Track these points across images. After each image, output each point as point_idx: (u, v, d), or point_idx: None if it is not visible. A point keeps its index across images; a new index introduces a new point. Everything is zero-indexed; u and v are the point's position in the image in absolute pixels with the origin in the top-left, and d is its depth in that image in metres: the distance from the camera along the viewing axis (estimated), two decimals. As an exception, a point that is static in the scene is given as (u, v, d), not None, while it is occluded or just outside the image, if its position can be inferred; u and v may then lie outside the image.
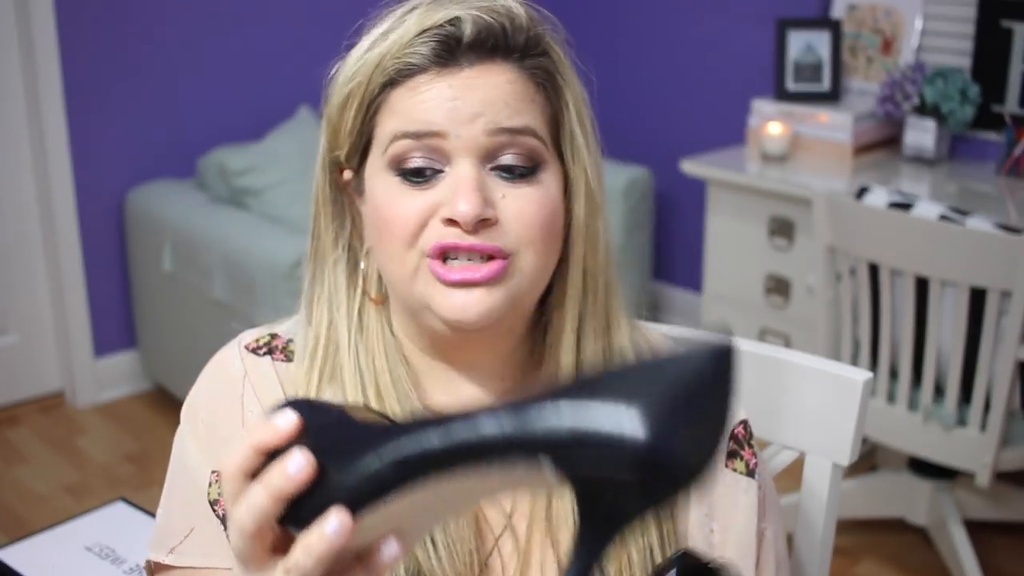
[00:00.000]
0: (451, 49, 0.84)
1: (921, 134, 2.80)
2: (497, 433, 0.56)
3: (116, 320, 3.27)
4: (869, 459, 2.69)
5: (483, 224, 0.83)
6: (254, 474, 0.64)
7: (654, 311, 3.61)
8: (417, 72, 0.84)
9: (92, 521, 1.44)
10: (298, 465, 0.62)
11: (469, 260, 0.84)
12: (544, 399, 0.55)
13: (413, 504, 0.60)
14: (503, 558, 0.90)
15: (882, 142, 2.93)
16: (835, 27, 2.99)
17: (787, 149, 2.85)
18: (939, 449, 2.21)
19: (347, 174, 0.91)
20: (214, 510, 0.90)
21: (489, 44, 0.85)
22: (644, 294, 3.45)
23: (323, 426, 0.64)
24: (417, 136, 0.84)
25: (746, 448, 0.97)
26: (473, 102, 0.84)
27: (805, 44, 3.00)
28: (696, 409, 0.52)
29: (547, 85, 0.88)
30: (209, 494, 0.90)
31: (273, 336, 0.96)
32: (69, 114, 3.05)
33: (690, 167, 2.89)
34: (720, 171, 2.82)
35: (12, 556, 1.36)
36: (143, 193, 3.13)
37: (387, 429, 0.61)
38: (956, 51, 2.89)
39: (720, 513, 0.94)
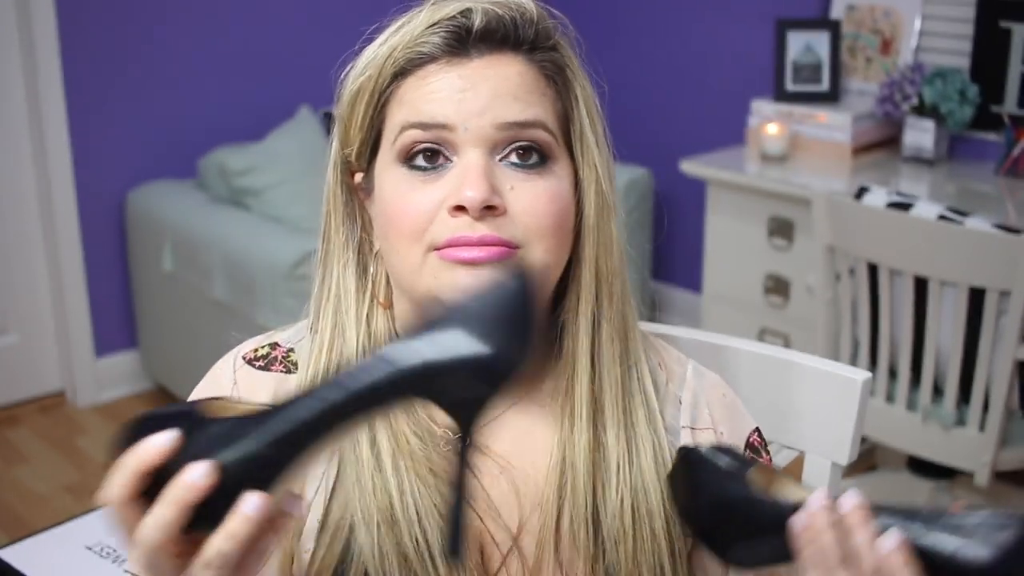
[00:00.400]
0: (461, 39, 0.84)
1: (920, 134, 2.80)
2: (365, 385, 0.64)
3: (116, 320, 3.27)
4: (868, 459, 2.69)
5: (490, 211, 0.82)
6: (146, 493, 0.67)
7: (654, 311, 3.62)
8: (427, 62, 0.85)
9: (92, 521, 1.44)
10: (202, 474, 0.65)
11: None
12: (389, 346, 0.65)
13: (304, 464, 0.66)
14: None
15: (881, 142, 2.94)
16: (834, 27, 3.00)
17: (786, 149, 2.86)
18: (938, 449, 2.22)
19: (357, 177, 0.90)
20: None
21: (499, 35, 0.85)
22: (644, 294, 3.45)
23: (189, 430, 0.67)
24: (425, 127, 0.84)
25: (764, 454, 0.97)
26: (482, 94, 0.83)
27: (804, 44, 3.01)
28: (511, 323, 0.65)
29: (557, 79, 0.88)
30: None
31: (274, 346, 0.95)
32: (70, 114, 3.05)
33: (690, 167, 2.89)
34: (720, 171, 2.82)
35: (13, 556, 1.36)
36: (143, 193, 3.14)
37: (253, 416, 0.66)
38: (955, 51, 2.90)
39: None
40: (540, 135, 0.85)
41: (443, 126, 0.83)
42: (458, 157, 0.84)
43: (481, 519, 0.88)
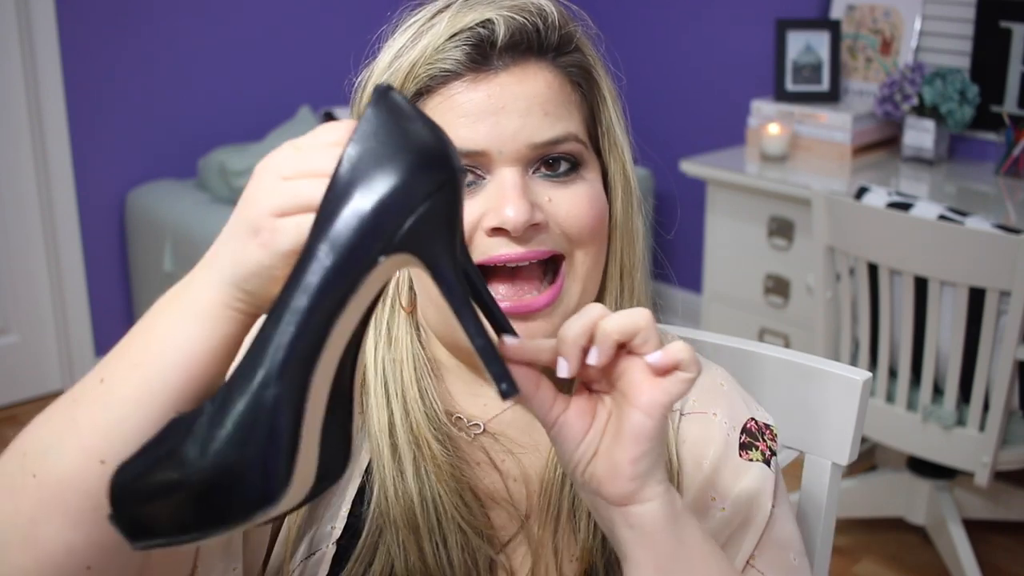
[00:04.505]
0: (484, 53, 0.82)
1: (920, 134, 2.80)
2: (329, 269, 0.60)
3: (117, 320, 3.27)
4: (868, 458, 2.69)
5: (533, 229, 0.82)
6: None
7: (654, 311, 3.61)
8: (451, 78, 0.82)
9: (94, 520, 1.44)
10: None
11: (517, 269, 0.82)
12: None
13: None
14: (512, 562, 0.88)
15: (881, 142, 2.94)
16: (834, 28, 3.00)
17: (786, 149, 2.86)
18: (938, 449, 2.22)
19: None
20: None
21: (523, 45, 0.83)
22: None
23: None
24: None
25: (761, 440, 0.95)
26: (514, 115, 0.82)
27: (804, 44, 3.01)
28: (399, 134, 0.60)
29: (583, 83, 0.87)
30: None
31: None
32: (70, 114, 3.05)
33: (690, 167, 2.89)
34: (720, 171, 2.82)
35: (14, 555, 1.36)
36: (143, 193, 3.14)
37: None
38: (955, 52, 2.90)
39: (731, 495, 0.91)
40: (572, 147, 0.85)
41: (477, 153, 0.82)
42: (491, 175, 0.83)
43: (483, 505, 0.88)
